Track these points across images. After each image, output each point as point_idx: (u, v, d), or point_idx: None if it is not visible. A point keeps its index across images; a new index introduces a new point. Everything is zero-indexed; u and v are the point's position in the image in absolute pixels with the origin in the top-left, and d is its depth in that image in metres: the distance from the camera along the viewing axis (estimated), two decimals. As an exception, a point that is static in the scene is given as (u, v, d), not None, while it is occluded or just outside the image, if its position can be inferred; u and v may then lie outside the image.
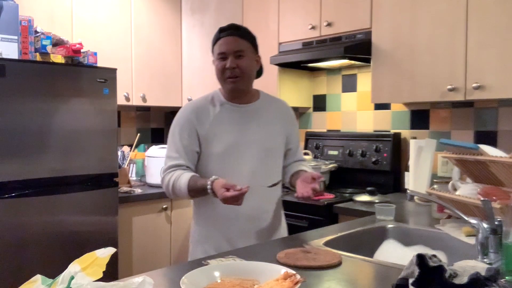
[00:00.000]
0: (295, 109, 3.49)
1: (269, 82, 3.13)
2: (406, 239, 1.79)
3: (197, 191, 1.71)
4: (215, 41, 1.79)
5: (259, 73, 1.90)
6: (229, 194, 1.55)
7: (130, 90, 3.30)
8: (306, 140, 3.34)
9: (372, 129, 3.08)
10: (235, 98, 1.84)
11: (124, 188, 3.02)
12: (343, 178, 3.07)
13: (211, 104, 1.83)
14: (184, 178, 1.72)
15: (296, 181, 1.73)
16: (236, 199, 1.56)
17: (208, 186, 1.63)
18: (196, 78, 3.58)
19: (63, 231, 2.52)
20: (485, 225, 1.31)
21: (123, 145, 3.40)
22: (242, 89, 1.82)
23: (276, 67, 3.12)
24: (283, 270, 1.14)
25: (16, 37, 2.49)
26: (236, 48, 1.74)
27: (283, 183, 1.98)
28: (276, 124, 1.90)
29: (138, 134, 3.45)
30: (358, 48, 2.65)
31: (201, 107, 1.82)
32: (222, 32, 1.78)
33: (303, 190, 1.65)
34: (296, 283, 1.05)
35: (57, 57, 2.62)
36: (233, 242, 1.78)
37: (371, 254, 1.68)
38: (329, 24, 2.81)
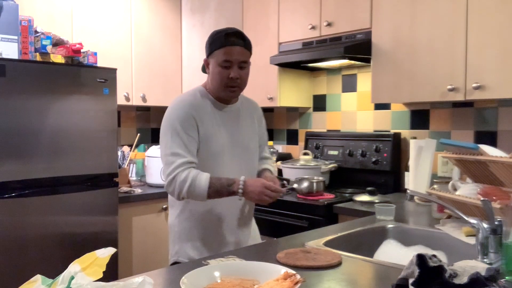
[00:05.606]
0: (295, 109, 3.50)
1: (269, 82, 3.14)
2: (406, 239, 1.79)
3: (217, 191, 1.69)
4: (220, 46, 1.75)
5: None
6: (272, 194, 1.67)
7: (130, 90, 3.30)
8: (306, 140, 3.34)
9: (372, 129, 3.08)
10: (224, 100, 1.86)
11: (124, 188, 3.01)
12: (343, 178, 3.07)
13: (204, 102, 1.82)
14: (203, 176, 1.68)
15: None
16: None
17: (241, 185, 1.67)
18: (196, 78, 3.57)
19: (63, 231, 2.52)
20: (485, 225, 1.31)
21: (123, 145, 3.40)
22: (236, 97, 1.89)
23: (276, 67, 3.11)
24: (283, 270, 1.14)
25: (16, 37, 2.49)
26: (242, 59, 1.76)
27: None
28: (253, 123, 1.96)
29: (138, 134, 3.45)
30: (358, 48, 2.65)
31: (199, 105, 1.80)
32: (228, 38, 1.74)
33: None
34: (296, 283, 1.05)
35: (57, 57, 2.62)
36: (222, 241, 1.82)
37: (371, 254, 1.68)
38: (329, 24, 2.81)
